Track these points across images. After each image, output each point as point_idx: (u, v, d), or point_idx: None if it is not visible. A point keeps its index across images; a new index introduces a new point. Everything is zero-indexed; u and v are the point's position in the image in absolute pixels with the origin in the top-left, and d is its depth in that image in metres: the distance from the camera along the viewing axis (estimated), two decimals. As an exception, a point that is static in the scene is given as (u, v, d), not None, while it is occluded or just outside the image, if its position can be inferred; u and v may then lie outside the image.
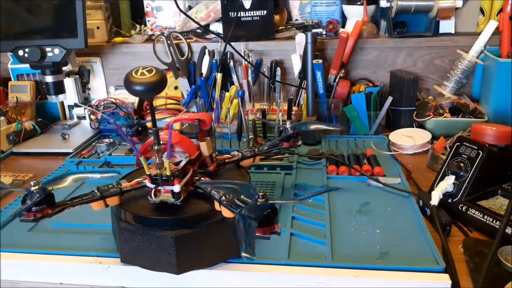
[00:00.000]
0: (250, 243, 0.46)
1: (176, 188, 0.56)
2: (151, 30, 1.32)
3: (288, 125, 0.74)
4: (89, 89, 1.28)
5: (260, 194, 0.47)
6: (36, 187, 0.51)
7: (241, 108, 0.99)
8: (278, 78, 1.15)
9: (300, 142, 0.75)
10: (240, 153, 0.71)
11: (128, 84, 0.53)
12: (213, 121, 0.73)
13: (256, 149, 0.72)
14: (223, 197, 0.53)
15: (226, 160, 0.69)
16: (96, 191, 0.56)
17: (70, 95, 1.17)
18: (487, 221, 0.63)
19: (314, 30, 1.23)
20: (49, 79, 1.06)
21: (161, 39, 1.22)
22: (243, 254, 0.45)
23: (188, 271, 0.57)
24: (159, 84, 0.53)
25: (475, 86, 1.12)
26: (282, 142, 0.74)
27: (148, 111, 1.21)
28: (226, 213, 0.52)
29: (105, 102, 1.20)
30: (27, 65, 1.07)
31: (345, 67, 1.16)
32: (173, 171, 0.56)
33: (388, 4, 1.16)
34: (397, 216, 0.68)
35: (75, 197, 0.56)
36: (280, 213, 0.70)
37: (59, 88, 1.09)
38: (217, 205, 0.54)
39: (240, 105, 1.00)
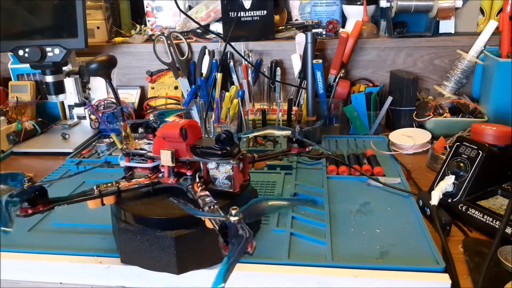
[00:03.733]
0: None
1: (121, 163, 0.63)
2: (151, 30, 1.32)
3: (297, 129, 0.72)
4: (89, 89, 1.28)
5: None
6: (29, 183, 0.52)
7: (241, 108, 1.00)
8: (278, 78, 1.15)
9: (309, 148, 0.74)
10: None
11: (85, 67, 0.68)
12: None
13: (256, 155, 0.70)
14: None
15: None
16: (95, 189, 0.58)
17: (70, 95, 1.17)
18: (487, 221, 0.63)
19: (314, 30, 1.24)
20: (49, 79, 1.06)
21: (161, 39, 1.22)
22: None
23: (188, 271, 0.57)
24: (108, 62, 0.67)
25: (475, 86, 1.12)
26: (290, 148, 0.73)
27: (149, 111, 1.21)
28: None
29: (105, 102, 1.20)
30: (27, 65, 1.07)
31: (345, 67, 1.16)
32: (123, 148, 0.63)
33: (388, 4, 1.16)
34: (397, 216, 0.68)
35: (73, 195, 0.57)
36: (280, 213, 0.70)
37: (59, 88, 1.08)
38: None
39: (240, 105, 1.00)
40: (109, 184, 0.60)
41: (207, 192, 0.57)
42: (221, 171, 0.60)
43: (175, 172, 0.62)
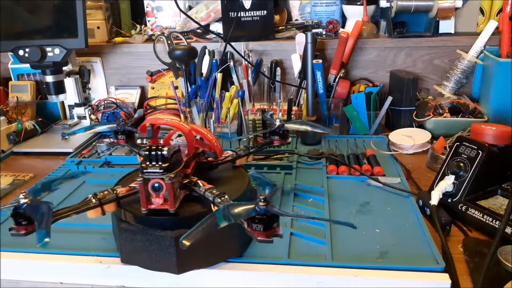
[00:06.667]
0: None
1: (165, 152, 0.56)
2: (151, 30, 1.32)
3: (277, 122, 0.72)
4: (90, 89, 1.28)
5: (261, 197, 0.46)
6: (27, 200, 0.51)
7: (241, 108, 1.00)
8: (278, 78, 1.15)
9: (289, 140, 0.75)
10: (234, 153, 0.70)
11: (171, 51, 0.81)
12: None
13: (250, 148, 0.72)
14: (218, 199, 0.54)
15: (219, 161, 0.68)
16: (93, 199, 0.56)
17: (71, 95, 1.17)
18: (487, 221, 0.63)
19: (314, 30, 1.24)
20: (49, 79, 1.06)
21: (161, 39, 1.22)
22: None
23: (188, 271, 0.57)
24: (190, 51, 0.82)
25: (474, 86, 1.12)
26: (273, 140, 0.73)
27: (149, 111, 1.21)
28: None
29: (105, 102, 1.21)
30: (28, 65, 1.07)
31: (345, 67, 1.16)
32: None
33: (388, 4, 1.16)
34: (397, 216, 0.68)
35: (71, 206, 0.55)
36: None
37: (60, 88, 1.09)
38: (213, 207, 0.55)
39: (240, 105, 1.00)
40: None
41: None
42: None
43: None
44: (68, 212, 0.54)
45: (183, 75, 0.77)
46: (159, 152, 0.54)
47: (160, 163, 0.54)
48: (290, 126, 0.72)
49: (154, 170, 0.54)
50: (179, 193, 0.58)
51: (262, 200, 0.47)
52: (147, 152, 0.54)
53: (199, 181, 0.60)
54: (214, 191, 0.56)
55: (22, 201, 0.50)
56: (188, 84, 0.77)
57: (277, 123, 0.72)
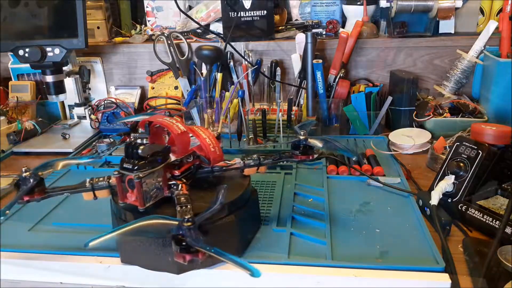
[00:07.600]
0: None
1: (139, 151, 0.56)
2: (151, 30, 1.32)
3: (301, 136, 0.64)
4: (90, 89, 1.28)
5: (187, 217, 0.44)
6: (28, 173, 0.57)
7: (241, 108, 1.00)
8: (278, 78, 1.15)
9: (314, 156, 0.66)
10: (242, 162, 0.65)
11: (197, 50, 0.84)
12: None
13: (262, 158, 0.65)
14: (178, 207, 0.54)
15: (224, 168, 0.65)
16: (87, 183, 0.60)
17: (71, 95, 1.17)
18: (487, 221, 0.63)
19: (314, 30, 1.24)
20: (49, 79, 1.06)
21: (161, 39, 1.22)
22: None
23: (188, 271, 0.57)
24: (216, 51, 0.83)
25: (474, 86, 1.12)
26: (295, 154, 0.65)
27: (149, 110, 1.21)
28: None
29: (105, 102, 1.21)
30: (28, 65, 1.07)
31: (345, 67, 1.16)
32: None
33: (388, 4, 1.16)
34: (397, 216, 0.68)
35: (66, 186, 0.60)
36: (280, 213, 0.70)
37: (60, 88, 1.09)
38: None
39: (240, 105, 1.00)
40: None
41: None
42: None
43: None
44: (63, 190, 0.60)
45: (208, 72, 0.77)
46: (134, 150, 0.55)
47: (135, 160, 0.55)
48: (313, 142, 0.64)
49: (126, 166, 0.55)
50: (154, 193, 0.57)
51: (187, 220, 0.44)
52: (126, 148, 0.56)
53: (180, 185, 0.59)
54: (182, 199, 0.56)
55: (24, 174, 0.57)
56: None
57: (301, 136, 0.64)
